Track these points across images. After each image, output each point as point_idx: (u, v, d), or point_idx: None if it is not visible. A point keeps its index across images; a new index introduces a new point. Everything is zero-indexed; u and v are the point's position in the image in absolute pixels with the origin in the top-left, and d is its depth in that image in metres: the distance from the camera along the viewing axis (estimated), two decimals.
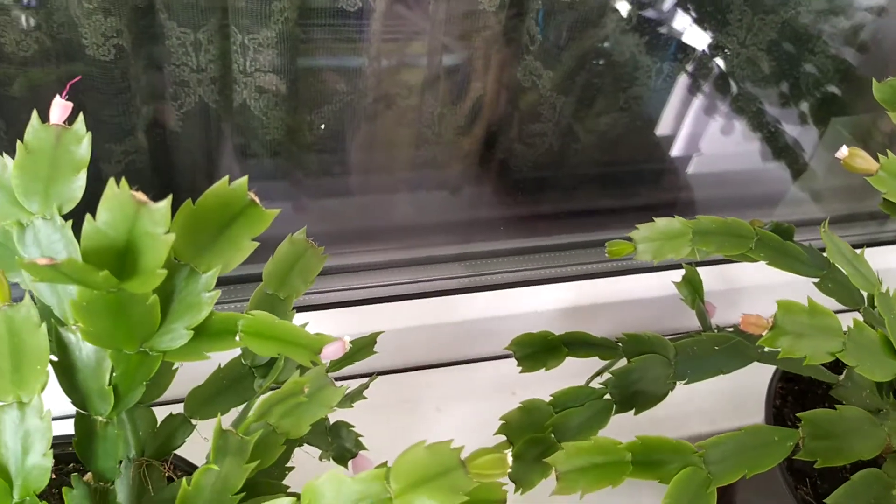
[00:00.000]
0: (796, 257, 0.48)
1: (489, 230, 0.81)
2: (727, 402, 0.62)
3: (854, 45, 0.83)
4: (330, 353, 0.44)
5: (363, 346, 0.48)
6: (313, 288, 0.68)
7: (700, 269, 0.74)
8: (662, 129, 0.90)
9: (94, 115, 0.68)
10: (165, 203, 0.27)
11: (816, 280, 0.48)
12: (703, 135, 0.90)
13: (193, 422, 0.39)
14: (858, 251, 0.44)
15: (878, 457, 0.39)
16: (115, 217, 0.26)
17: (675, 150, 0.91)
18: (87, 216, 0.27)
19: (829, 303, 0.49)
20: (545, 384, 0.53)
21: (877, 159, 0.44)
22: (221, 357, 0.38)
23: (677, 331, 0.73)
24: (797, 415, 0.39)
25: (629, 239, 0.50)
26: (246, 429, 0.31)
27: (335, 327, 0.64)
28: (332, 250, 0.73)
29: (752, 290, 0.73)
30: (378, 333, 0.49)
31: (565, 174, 0.89)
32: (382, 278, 0.68)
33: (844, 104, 0.83)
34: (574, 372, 0.51)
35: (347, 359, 0.48)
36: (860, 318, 0.44)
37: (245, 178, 0.31)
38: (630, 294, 0.70)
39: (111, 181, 0.26)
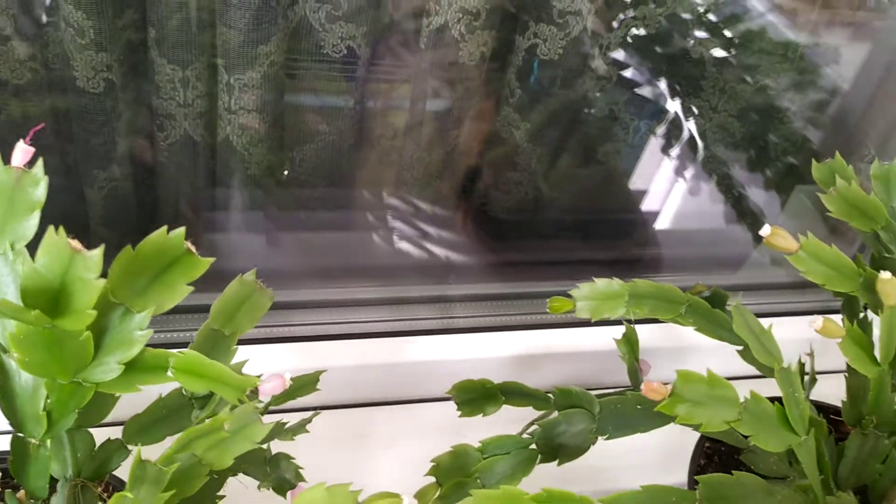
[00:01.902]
0: (722, 325, 0.50)
1: (453, 274, 0.84)
2: (662, 456, 0.64)
3: (819, 119, 0.87)
4: (269, 389, 0.47)
5: (306, 383, 0.51)
6: (277, 321, 0.71)
7: (652, 326, 0.76)
8: (635, 184, 0.93)
9: (83, 142, 0.72)
10: (98, 252, 0.29)
11: (740, 348, 0.51)
12: (673, 193, 0.93)
13: (130, 447, 0.42)
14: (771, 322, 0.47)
15: None
16: (51, 261, 0.29)
17: (646, 206, 0.94)
18: (26, 257, 0.30)
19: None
20: (490, 428, 0.55)
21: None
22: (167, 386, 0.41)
23: (619, 385, 0.76)
24: (695, 477, 0.41)
25: (571, 295, 0.53)
26: (165, 460, 0.33)
27: (294, 360, 0.67)
28: (299, 285, 0.76)
29: (698, 349, 0.75)
30: (321, 372, 0.52)
31: (538, 223, 0.92)
32: (344, 316, 0.71)
33: (807, 174, 0.86)
34: (519, 418, 0.53)
35: (290, 394, 0.50)
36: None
37: (182, 229, 0.34)
38: (580, 346, 0.72)
39: (50, 229, 0.29)
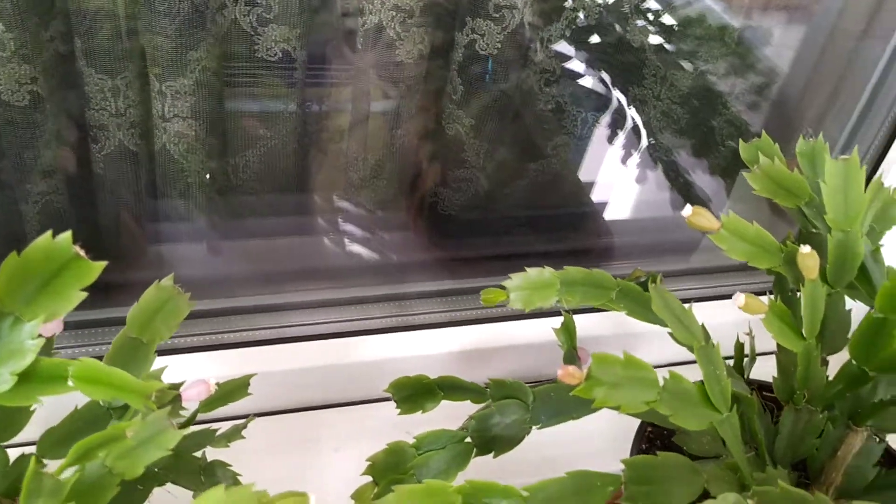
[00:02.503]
0: (650, 307, 0.50)
1: (404, 273, 0.83)
2: (611, 442, 0.64)
3: (759, 102, 0.87)
4: (193, 395, 0.46)
5: (235, 387, 0.50)
6: (220, 328, 0.70)
7: (600, 315, 0.76)
8: (583, 176, 0.93)
9: (14, 157, 0.71)
10: None
11: (670, 330, 0.50)
12: (622, 183, 0.93)
13: (46, 461, 0.41)
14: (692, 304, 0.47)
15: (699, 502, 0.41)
16: None
17: (596, 197, 0.94)
18: None
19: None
20: (439, 425, 0.54)
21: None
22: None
23: None
24: (622, 460, 0.41)
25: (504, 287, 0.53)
26: (61, 470, 0.33)
27: (237, 366, 0.66)
28: (245, 291, 0.76)
29: (646, 336, 0.75)
30: (251, 375, 0.51)
31: (489, 218, 0.91)
32: (289, 319, 0.70)
33: None
34: (466, 414, 0.53)
35: (219, 400, 0.49)
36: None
37: (69, 233, 0.33)
38: (529, 338, 0.72)
39: None
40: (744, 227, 0.47)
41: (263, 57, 0.74)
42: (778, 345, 0.51)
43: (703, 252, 0.92)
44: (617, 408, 0.38)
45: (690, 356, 0.80)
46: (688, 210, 0.47)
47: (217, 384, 0.48)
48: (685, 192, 0.90)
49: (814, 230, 0.52)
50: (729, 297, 0.83)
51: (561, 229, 0.93)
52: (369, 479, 0.50)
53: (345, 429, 0.67)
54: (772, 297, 0.47)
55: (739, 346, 0.57)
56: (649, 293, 0.52)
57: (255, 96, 0.78)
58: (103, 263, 0.34)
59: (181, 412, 0.46)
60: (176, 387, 0.46)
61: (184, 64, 0.69)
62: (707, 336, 0.44)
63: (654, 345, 0.76)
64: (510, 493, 0.39)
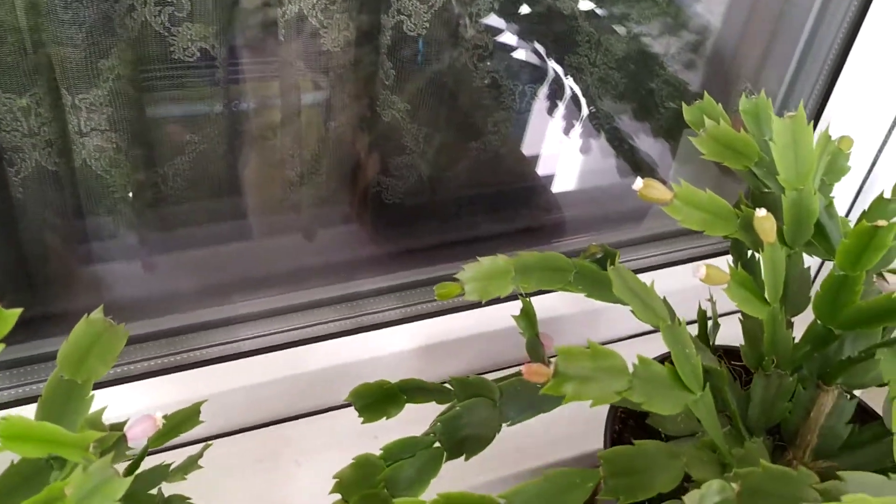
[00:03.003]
0: (610, 286, 0.48)
1: (355, 271, 0.81)
2: (583, 425, 0.62)
3: (696, 61, 0.86)
4: (138, 433, 0.43)
5: (185, 417, 0.47)
6: (162, 351, 0.66)
7: (558, 294, 0.74)
8: (527, 150, 0.91)
9: None
10: None
11: (631, 308, 0.49)
12: (567, 154, 0.92)
13: None
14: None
15: (682, 487, 0.40)
16: None
17: (542, 171, 0.92)
18: None
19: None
20: (408, 428, 0.52)
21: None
22: None
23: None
24: (598, 454, 0.39)
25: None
26: None
27: (184, 391, 0.62)
28: (186, 308, 0.72)
29: (608, 310, 0.74)
30: (200, 403, 0.48)
31: (436, 203, 0.89)
32: (236, 333, 0.67)
33: None
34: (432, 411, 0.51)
35: (169, 433, 0.46)
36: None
37: None
38: (488, 326, 0.70)
39: None
40: (696, 195, 0.46)
41: (181, 58, 0.70)
42: (743, 313, 0.50)
43: (654, 218, 0.91)
44: (615, 415, 0.36)
45: (649, 327, 0.80)
46: (638, 183, 0.46)
47: (164, 416, 0.45)
48: (630, 158, 0.89)
49: (765, 190, 0.51)
50: (685, 262, 0.82)
51: (510, 207, 0.91)
52: (330, 496, 0.47)
53: (306, 441, 0.65)
54: (731, 264, 0.45)
55: (702, 314, 0.56)
56: (608, 273, 0.50)
57: (177, 100, 0.74)
58: (17, 311, 0.31)
59: (127, 452, 0.43)
60: (119, 427, 0.43)
61: (96, 74, 0.65)
62: (672, 314, 0.42)
63: (616, 319, 0.75)
64: (485, 503, 0.38)
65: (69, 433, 0.32)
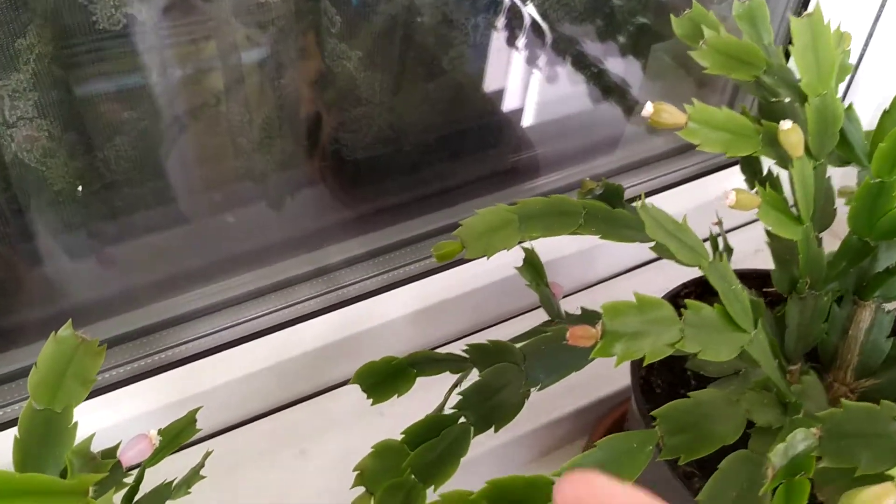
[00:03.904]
0: (626, 224, 0.45)
1: (329, 239, 0.75)
2: (600, 367, 0.60)
3: None
4: (134, 456, 0.38)
5: (181, 428, 0.42)
6: (136, 353, 0.61)
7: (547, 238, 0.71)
8: (489, 87, 0.86)
9: None
10: None
11: (651, 244, 0.45)
12: (532, 86, 0.87)
13: None
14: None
15: (744, 434, 0.37)
16: None
17: (507, 107, 0.87)
18: None
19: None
20: (413, 396, 0.48)
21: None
22: None
23: (527, 308, 0.70)
24: (651, 413, 0.36)
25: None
26: None
27: (170, 393, 0.57)
28: (153, 301, 0.66)
29: (603, 245, 0.70)
30: (196, 410, 0.43)
31: (401, 155, 0.84)
32: (214, 323, 0.62)
33: (661, 30, 0.81)
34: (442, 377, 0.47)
35: (166, 447, 0.42)
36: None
37: None
38: (479, 282, 0.66)
39: None
40: (712, 114, 0.42)
41: (105, 28, 0.63)
42: (770, 234, 0.46)
43: (626, 146, 0.87)
44: (641, 358, 0.33)
45: (652, 255, 0.76)
46: (648, 108, 0.41)
47: (159, 432, 0.40)
48: (599, 81, 0.85)
49: (773, 100, 0.47)
50: (674, 185, 0.79)
51: (480, 150, 0.86)
52: (352, 491, 0.43)
53: (307, 428, 0.60)
54: (760, 186, 0.42)
55: (714, 241, 0.53)
56: (619, 209, 0.46)
57: (107, 74, 0.67)
58: None
59: (125, 479, 0.38)
60: (111, 452, 0.38)
61: (14, 56, 0.58)
62: (715, 249, 0.38)
63: (612, 254, 0.72)
64: (539, 484, 0.34)
65: (61, 481, 0.27)
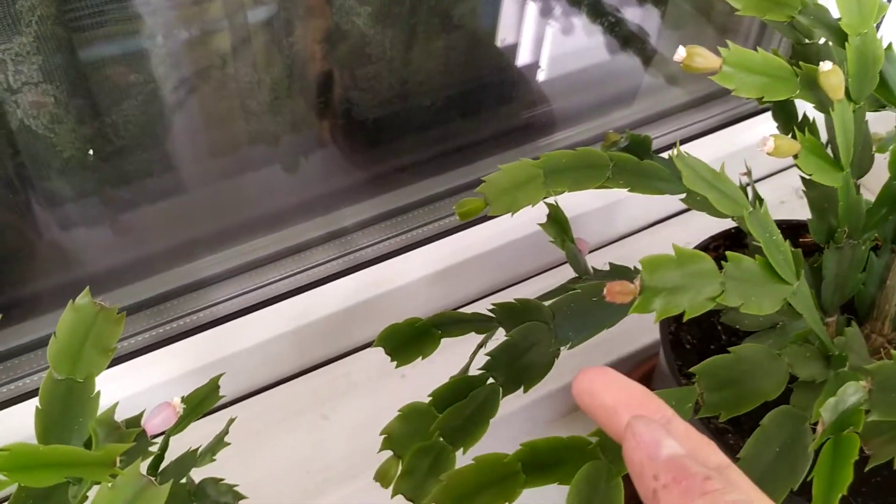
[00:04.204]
0: (656, 176, 0.43)
1: (344, 201, 0.74)
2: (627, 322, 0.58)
3: None
4: (159, 423, 0.37)
5: (205, 395, 0.41)
6: (155, 321, 0.60)
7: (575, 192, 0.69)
8: (503, 42, 0.84)
9: None
10: None
11: (682, 196, 0.44)
12: (547, 39, 0.84)
13: None
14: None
15: (786, 390, 0.35)
16: None
17: (521, 62, 0.85)
18: None
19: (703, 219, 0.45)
20: (437, 356, 0.47)
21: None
22: None
23: (551, 265, 0.69)
24: (689, 370, 0.34)
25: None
26: None
27: (192, 359, 0.56)
28: (170, 267, 0.65)
29: (627, 199, 0.69)
30: (219, 377, 0.42)
31: (415, 113, 0.82)
32: (232, 288, 0.61)
33: None
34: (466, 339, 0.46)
35: (190, 415, 0.41)
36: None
37: None
38: (500, 239, 0.64)
39: None
40: (748, 57, 0.40)
41: None
42: (806, 181, 0.45)
43: (650, 95, 0.84)
44: (681, 314, 0.31)
45: (676, 208, 0.75)
46: (680, 53, 0.39)
47: (182, 400, 0.39)
48: (616, 31, 0.82)
49: (807, 42, 0.45)
50: (700, 136, 0.77)
51: (494, 106, 0.84)
52: (380, 455, 0.42)
53: (329, 391, 0.59)
54: (799, 131, 0.40)
55: (744, 192, 0.51)
56: (647, 160, 0.44)
57: (112, 37, 0.65)
58: None
59: (150, 448, 0.37)
60: (135, 421, 0.37)
61: (16, 18, 0.56)
62: (756, 198, 0.37)
63: (638, 205, 0.70)
64: (577, 445, 0.33)
65: (86, 452, 0.26)
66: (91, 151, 0.65)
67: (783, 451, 0.34)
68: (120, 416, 0.38)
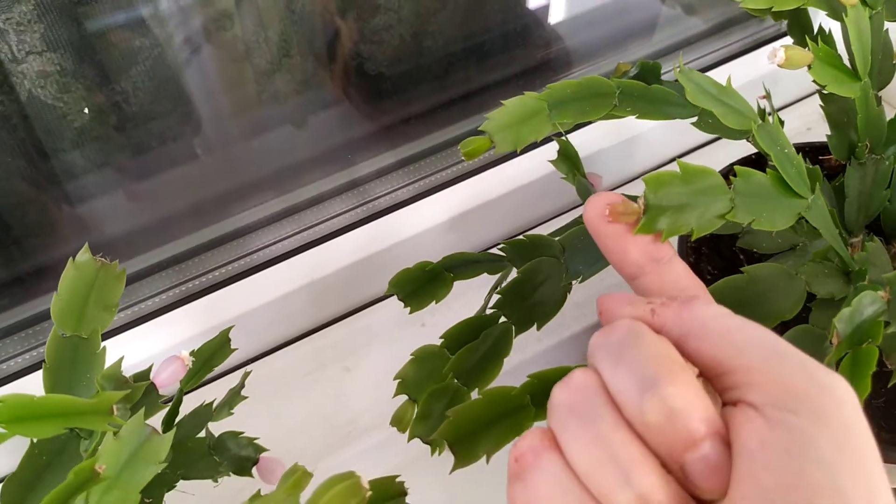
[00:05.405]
0: (666, 100, 0.41)
1: (357, 154, 0.73)
2: None
3: None
4: (167, 377, 0.37)
5: (215, 348, 0.41)
6: (172, 281, 0.60)
7: (589, 128, 0.67)
8: None
9: None
10: None
11: (693, 120, 0.42)
12: None
13: None
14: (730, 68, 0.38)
15: (803, 309, 0.34)
16: None
17: (536, 1, 0.83)
18: None
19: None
20: (456, 302, 0.46)
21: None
22: None
23: (570, 206, 0.67)
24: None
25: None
26: None
27: (206, 319, 0.56)
28: (187, 230, 0.65)
29: (645, 134, 0.67)
30: (228, 329, 0.42)
31: (426, 62, 0.80)
32: (246, 246, 0.60)
33: None
34: (482, 281, 0.45)
35: (202, 370, 0.41)
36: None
37: None
38: (515, 182, 0.63)
39: None
40: None
41: None
42: (823, 95, 0.42)
43: (666, 27, 0.82)
44: (689, 234, 0.30)
45: (697, 141, 0.72)
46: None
47: (192, 353, 0.39)
48: None
49: None
50: (718, 64, 0.74)
51: (505, 50, 0.82)
52: (395, 400, 0.42)
53: (349, 344, 0.59)
54: (811, 41, 0.38)
55: (762, 113, 0.49)
56: (656, 85, 0.43)
57: (115, 3, 0.64)
58: None
59: (161, 402, 0.37)
60: (144, 375, 0.37)
61: None
62: (761, 111, 0.35)
63: (655, 140, 0.68)
64: None
65: (82, 400, 0.26)
66: (99, 120, 0.65)
67: None
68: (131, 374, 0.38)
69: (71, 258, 0.36)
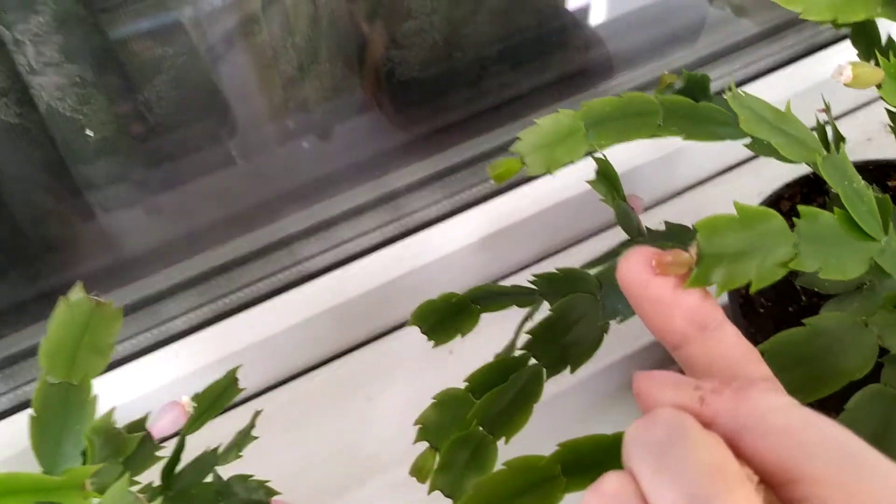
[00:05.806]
0: (714, 120, 0.37)
1: (387, 169, 0.70)
2: None
3: None
4: (166, 425, 0.34)
5: (221, 390, 0.38)
6: (190, 304, 0.57)
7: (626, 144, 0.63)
8: None
9: None
10: None
11: (747, 142, 0.38)
12: None
13: None
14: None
15: (876, 365, 0.30)
16: None
17: (573, 4, 0.79)
18: None
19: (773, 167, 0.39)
20: (482, 333, 0.43)
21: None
22: None
23: (603, 226, 0.63)
24: (757, 347, 0.29)
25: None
26: None
27: (217, 349, 0.54)
28: (206, 246, 0.63)
29: (686, 148, 0.62)
30: (235, 369, 0.39)
31: (459, 69, 0.77)
32: (265, 268, 0.58)
33: None
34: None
35: (207, 412, 0.38)
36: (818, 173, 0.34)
37: None
38: (552, 199, 0.59)
39: None
40: None
41: None
42: (893, 115, 0.38)
43: (713, 30, 0.77)
44: (747, 285, 0.26)
45: (745, 154, 0.68)
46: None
47: (194, 397, 0.36)
48: None
49: None
50: (771, 71, 0.69)
51: (543, 55, 0.78)
52: (415, 446, 0.39)
53: (371, 372, 0.56)
54: (882, 57, 0.33)
55: (822, 131, 0.44)
56: (704, 102, 0.39)
57: (136, 13, 0.62)
58: None
59: (156, 454, 0.34)
60: (139, 424, 0.35)
61: None
62: (836, 138, 0.31)
63: (699, 154, 0.64)
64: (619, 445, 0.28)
65: (52, 479, 0.23)
66: (120, 133, 0.63)
67: (875, 439, 0.29)
68: (137, 415, 0.36)
69: (62, 297, 0.33)
